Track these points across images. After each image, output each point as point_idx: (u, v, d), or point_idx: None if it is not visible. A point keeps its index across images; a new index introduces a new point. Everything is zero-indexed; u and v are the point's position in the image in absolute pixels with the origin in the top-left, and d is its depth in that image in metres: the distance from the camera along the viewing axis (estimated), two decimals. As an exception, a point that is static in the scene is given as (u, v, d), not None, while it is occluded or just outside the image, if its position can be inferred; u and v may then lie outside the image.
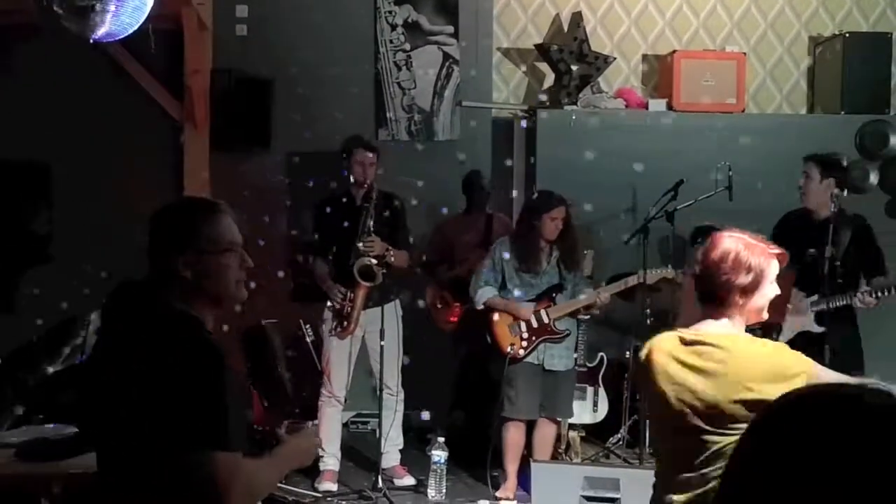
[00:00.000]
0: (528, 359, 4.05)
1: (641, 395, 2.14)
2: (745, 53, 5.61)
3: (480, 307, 4.11)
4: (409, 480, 4.30)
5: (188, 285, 1.75)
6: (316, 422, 1.80)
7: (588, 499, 3.18)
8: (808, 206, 3.94)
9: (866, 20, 5.80)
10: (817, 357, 3.73)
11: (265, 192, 5.55)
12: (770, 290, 1.99)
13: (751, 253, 1.95)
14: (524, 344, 4.02)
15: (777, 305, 3.94)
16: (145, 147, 5.62)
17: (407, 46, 5.85)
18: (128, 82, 5.54)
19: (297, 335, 5.14)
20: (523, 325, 4.04)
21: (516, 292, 4.10)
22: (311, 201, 4.68)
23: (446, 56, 5.87)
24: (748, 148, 5.21)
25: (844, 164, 5.12)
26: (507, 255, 4.12)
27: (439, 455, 4.06)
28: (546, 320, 4.05)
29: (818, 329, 3.84)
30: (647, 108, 5.52)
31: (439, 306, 4.91)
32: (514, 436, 4.05)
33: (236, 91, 5.56)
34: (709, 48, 5.75)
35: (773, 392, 1.81)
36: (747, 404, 1.89)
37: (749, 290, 1.95)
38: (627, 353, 4.82)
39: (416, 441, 4.67)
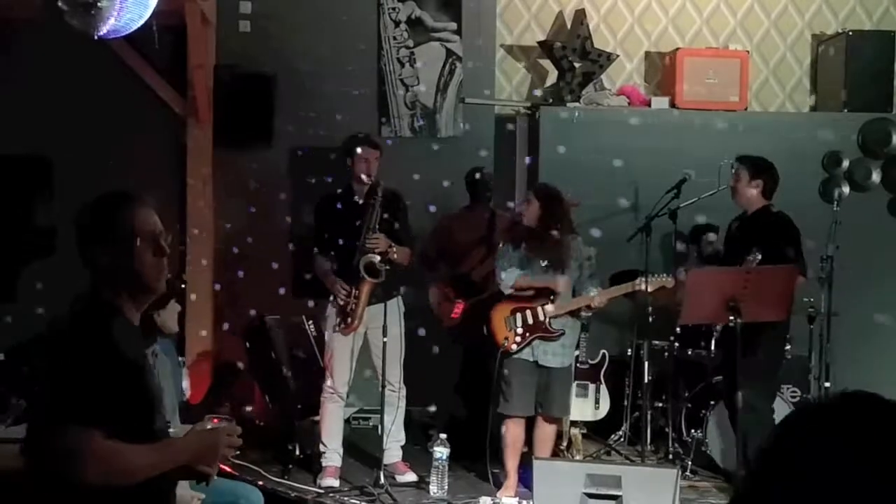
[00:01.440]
0: (523, 355, 4.05)
1: None
2: (748, 51, 5.61)
3: (509, 291, 4.09)
4: (411, 477, 4.31)
5: (110, 275, 1.86)
6: (219, 422, 1.71)
7: (590, 496, 3.18)
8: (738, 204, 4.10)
9: (870, 18, 5.80)
10: None
11: (267, 188, 5.56)
12: None
13: None
14: (517, 339, 4.03)
15: (778, 302, 3.98)
16: (148, 142, 5.63)
17: (410, 43, 5.85)
18: (131, 77, 5.55)
19: (299, 331, 5.15)
20: (519, 320, 4.05)
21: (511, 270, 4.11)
22: (314, 198, 4.69)
23: (449, 53, 5.87)
24: (751, 146, 5.18)
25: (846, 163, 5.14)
26: (510, 249, 4.13)
27: (441, 452, 4.07)
28: (542, 318, 4.05)
29: None
30: (649, 105, 5.52)
31: (443, 302, 4.92)
32: (513, 433, 4.06)
33: (239, 87, 5.56)
34: (712, 46, 5.74)
35: None
36: None
37: None
38: (629, 350, 4.83)
39: (421, 437, 4.67)
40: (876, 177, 5.08)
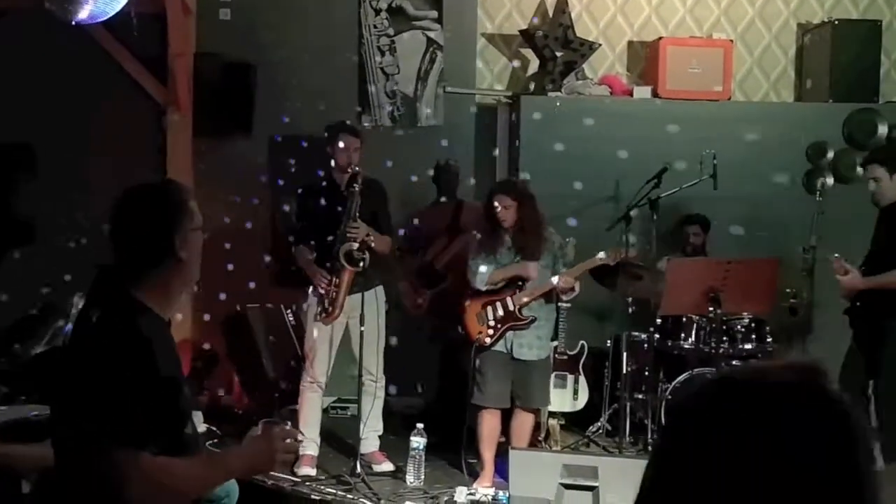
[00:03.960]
0: (497, 347, 4.04)
1: None
2: (731, 41, 5.59)
3: (483, 287, 4.08)
4: (388, 466, 4.30)
5: (168, 268, 1.74)
6: (288, 425, 1.64)
7: (566, 486, 3.18)
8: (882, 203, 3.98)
9: (856, 7, 5.78)
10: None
11: (248, 177, 5.52)
12: None
13: None
14: (490, 332, 4.03)
15: (761, 294, 3.98)
16: (128, 130, 5.57)
17: (391, 32, 5.80)
18: (111, 65, 5.49)
19: (279, 320, 5.13)
20: (490, 313, 4.04)
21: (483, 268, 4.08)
22: (294, 186, 4.66)
23: (430, 41, 5.82)
24: (734, 136, 5.20)
25: (831, 153, 5.13)
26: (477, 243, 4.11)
27: (418, 441, 4.06)
28: (511, 307, 4.04)
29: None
30: (632, 95, 5.50)
31: (408, 293, 4.92)
32: (488, 424, 4.05)
33: (220, 75, 5.52)
34: (695, 35, 5.72)
35: None
36: None
37: None
38: (608, 340, 4.83)
39: (399, 427, 4.66)
40: (860, 168, 5.07)
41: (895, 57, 5.75)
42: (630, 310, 4.52)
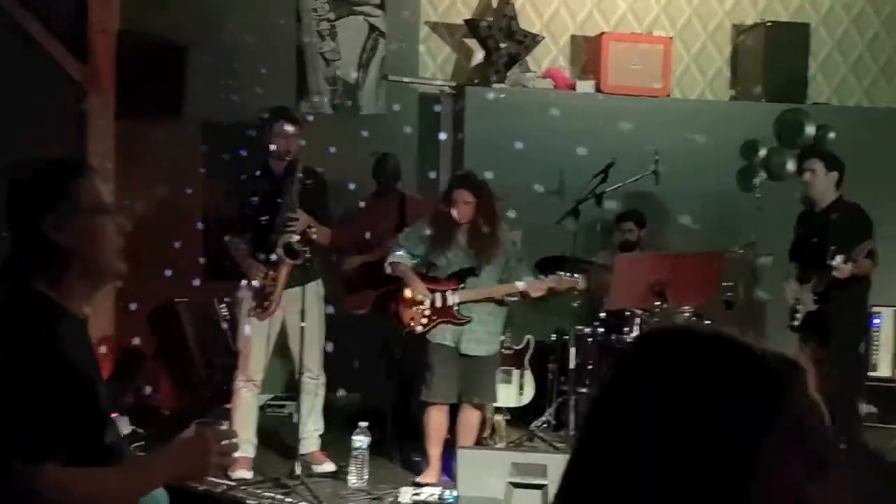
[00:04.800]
0: (445, 342, 3.96)
1: None
2: (671, 38, 5.64)
3: (388, 271, 4.01)
4: (329, 467, 4.15)
5: (58, 257, 1.52)
6: (225, 424, 1.44)
7: (515, 485, 3.11)
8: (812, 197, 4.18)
9: (786, 10, 5.92)
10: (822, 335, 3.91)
11: (177, 164, 5.23)
12: None
13: None
14: (423, 321, 3.93)
15: (702, 288, 4.01)
16: (46, 112, 5.19)
17: (331, 16, 5.62)
18: (26, 42, 5.11)
19: (210, 315, 4.89)
20: (427, 302, 3.93)
21: (431, 270, 4.00)
22: (227, 174, 4.44)
23: (372, 28, 5.67)
24: (673, 132, 5.25)
25: (763, 151, 5.24)
26: (427, 231, 4.00)
27: (361, 440, 3.92)
28: (449, 303, 3.95)
29: (814, 307, 4.02)
30: (575, 88, 5.48)
31: (351, 290, 4.78)
32: (434, 420, 3.95)
33: (145, 55, 5.21)
34: (636, 31, 5.74)
35: None
36: None
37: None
38: (552, 335, 4.79)
39: (340, 426, 4.50)
40: (791, 166, 5.19)
41: (821, 59, 5.93)
42: (574, 304, 4.49)
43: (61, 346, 1.47)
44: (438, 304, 3.95)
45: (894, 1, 5.96)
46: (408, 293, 3.97)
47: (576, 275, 3.98)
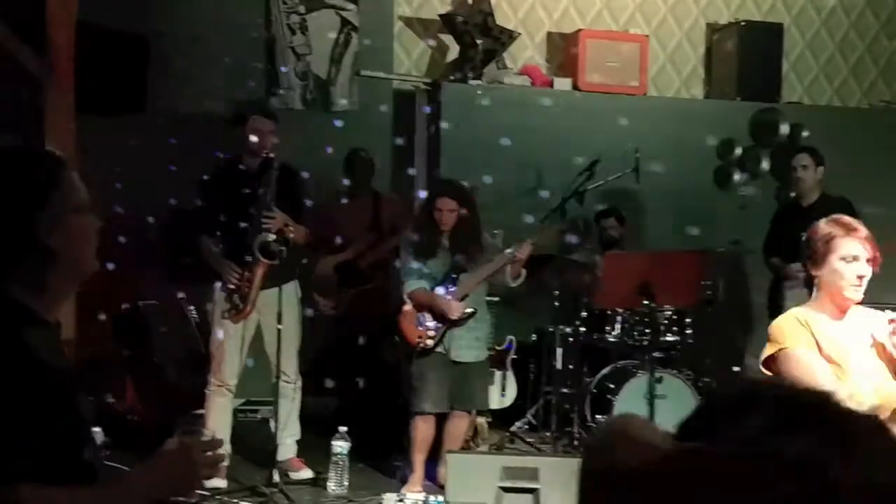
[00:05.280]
0: (437, 349, 3.86)
1: None
2: (647, 36, 5.62)
3: (408, 304, 3.89)
4: (307, 473, 4.01)
5: (40, 258, 1.37)
6: (210, 434, 1.31)
7: (505, 490, 3.02)
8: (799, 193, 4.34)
9: (759, 10, 5.95)
10: None
11: (141, 160, 5.02)
12: (841, 266, 2.20)
13: (828, 229, 2.22)
14: (431, 334, 3.83)
15: (688, 288, 3.97)
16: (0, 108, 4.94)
17: (302, 9, 5.47)
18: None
19: (178, 318, 4.70)
20: (427, 315, 3.83)
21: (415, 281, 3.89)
22: (194, 172, 4.26)
23: (344, 22, 5.53)
24: (650, 131, 5.22)
25: (739, 150, 5.26)
26: (413, 238, 3.89)
27: (341, 446, 3.79)
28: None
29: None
30: (552, 86, 5.42)
31: (324, 291, 4.65)
32: (422, 429, 3.83)
33: (106, 47, 4.98)
34: (612, 29, 5.71)
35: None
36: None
37: (817, 261, 2.22)
38: (532, 335, 4.72)
39: (319, 431, 4.36)
40: (765, 165, 5.21)
41: (793, 59, 5.97)
42: (556, 303, 4.42)
43: (35, 356, 1.33)
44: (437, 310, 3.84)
45: (864, 2, 6.03)
46: (404, 314, 3.85)
47: (560, 226, 3.94)
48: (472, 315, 3.83)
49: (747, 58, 5.50)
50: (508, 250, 3.83)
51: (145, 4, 5.07)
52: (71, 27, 4.96)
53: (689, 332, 4.41)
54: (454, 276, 3.85)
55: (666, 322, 4.42)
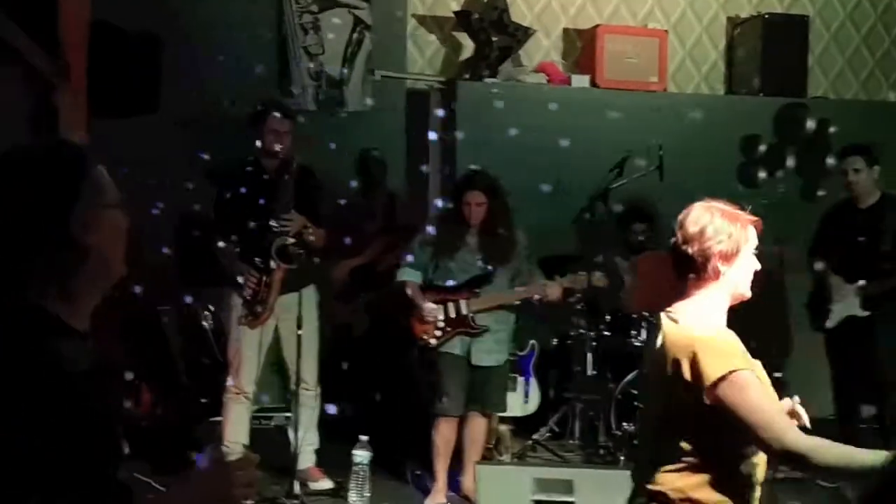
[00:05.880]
0: (454, 351, 3.77)
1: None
2: (666, 31, 5.50)
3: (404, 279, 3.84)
4: (326, 483, 3.92)
5: (72, 259, 1.27)
6: (237, 452, 1.22)
7: (539, 503, 2.91)
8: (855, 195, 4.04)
9: (781, 2, 5.82)
10: (866, 340, 3.72)
11: (155, 163, 4.93)
12: (750, 260, 1.90)
13: (728, 219, 1.87)
14: (437, 333, 3.73)
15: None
16: (12, 110, 4.85)
17: (314, 8, 5.37)
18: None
19: (193, 324, 4.61)
20: (441, 313, 3.72)
21: (438, 280, 3.80)
22: (209, 172, 4.18)
23: (357, 21, 5.43)
24: (671, 128, 5.11)
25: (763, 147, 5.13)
26: (427, 235, 3.80)
27: (362, 456, 3.68)
28: (464, 312, 3.75)
29: (863, 313, 3.86)
30: (569, 83, 5.31)
31: (339, 296, 4.56)
32: (444, 434, 3.74)
33: (119, 47, 4.90)
34: (630, 24, 5.59)
35: (687, 369, 1.79)
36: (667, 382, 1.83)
37: (729, 256, 1.85)
38: (554, 340, 4.61)
39: (336, 439, 4.26)
40: (790, 162, 5.09)
41: (819, 53, 5.84)
42: (579, 306, 4.31)
43: (67, 370, 1.22)
44: (452, 314, 3.76)
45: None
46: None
47: (596, 273, 3.80)
48: (485, 330, 3.73)
49: (771, 52, 5.37)
50: (541, 282, 3.73)
51: (158, 4, 4.98)
52: (84, 27, 4.88)
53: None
54: (476, 288, 3.74)
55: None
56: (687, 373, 1.78)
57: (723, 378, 1.75)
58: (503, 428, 4.22)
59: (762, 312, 4.80)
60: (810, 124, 5.04)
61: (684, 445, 1.80)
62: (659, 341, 1.88)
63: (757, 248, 1.90)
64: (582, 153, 4.92)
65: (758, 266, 1.90)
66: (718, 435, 1.79)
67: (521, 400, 4.33)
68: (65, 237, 1.26)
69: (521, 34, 5.38)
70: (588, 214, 4.20)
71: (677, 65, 5.73)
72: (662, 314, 1.92)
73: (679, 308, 1.90)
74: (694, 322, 1.85)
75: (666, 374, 1.82)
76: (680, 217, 1.91)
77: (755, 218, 1.90)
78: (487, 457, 4.08)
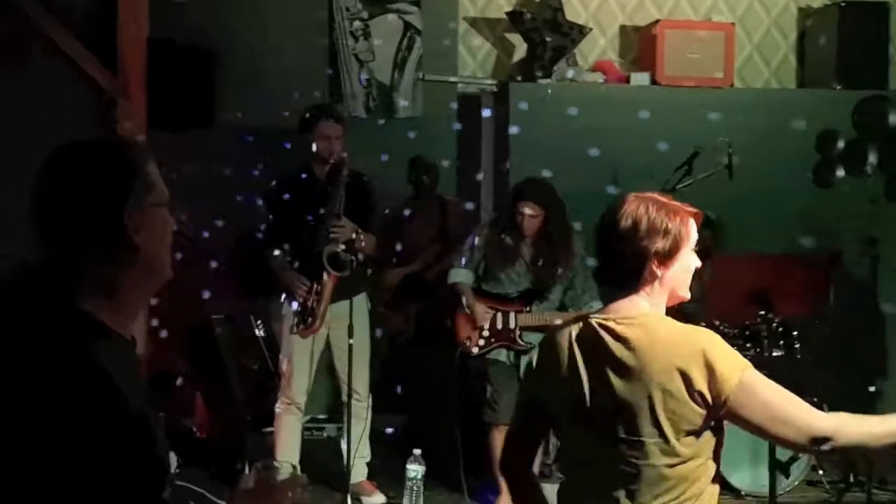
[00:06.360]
0: (501, 358, 3.65)
1: (529, 396, 1.80)
2: (732, 24, 5.25)
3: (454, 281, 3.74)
4: (380, 498, 3.81)
5: (120, 261, 1.19)
6: (286, 472, 1.15)
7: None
8: None
9: (856, -10, 5.50)
10: None
11: (209, 174, 4.94)
12: (691, 258, 1.69)
13: (665, 214, 1.64)
14: (480, 342, 3.60)
15: (804, 297, 3.59)
16: (74, 124, 4.91)
17: (364, 15, 5.32)
18: (53, 52, 4.86)
19: (246, 333, 4.58)
20: (487, 321, 3.58)
21: (488, 287, 3.66)
22: (261, 182, 4.16)
23: (408, 26, 5.36)
24: (739, 126, 4.85)
25: (841, 143, 4.82)
26: (477, 242, 3.66)
27: (416, 470, 3.56)
28: (511, 325, 3.62)
29: None
30: (628, 81, 5.12)
31: (391, 305, 4.45)
32: (500, 441, 3.59)
33: (176, 62, 4.96)
34: (692, 19, 5.37)
35: (702, 383, 1.54)
36: (672, 398, 1.56)
37: (668, 256, 1.63)
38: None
39: (383, 452, 4.15)
40: (872, 158, 4.77)
41: (898, 42, 5.50)
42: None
43: (113, 382, 1.12)
44: (499, 325, 3.62)
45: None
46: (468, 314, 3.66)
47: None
48: (530, 349, 3.57)
49: (847, 42, 5.06)
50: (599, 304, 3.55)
51: (211, 18, 5.01)
52: (142, 44, 4.95)
53: (797, 346, 4.00)
54: (529, 304, 3.59)
55: (768, 335, 4.02)
56: (701, 382, 1.54)
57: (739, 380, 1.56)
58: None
59: (855, 322, 4.51)
60: (893, 118, 4.71)
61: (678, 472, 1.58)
62: (618, 351, 1.60)
63: (697, 245, 1.68)
64: (642, 154, 4.71)
65: (698, 263, 1.69)
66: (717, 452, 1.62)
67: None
68: (119, 235, 1.18)
69: (576, 33, 5.21)
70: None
71: (744, 59, 5.47)
72: (597, 320, 1.65)
73: (620, 311, 1.63)
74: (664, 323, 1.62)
75: (649, 388, 1.55)
76: (608, 213, 1.67)
77: (695, 210, 1.68)
78: (545, 472, 3.91)
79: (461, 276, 3.70)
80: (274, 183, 3.88)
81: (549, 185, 3.69)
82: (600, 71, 5.20)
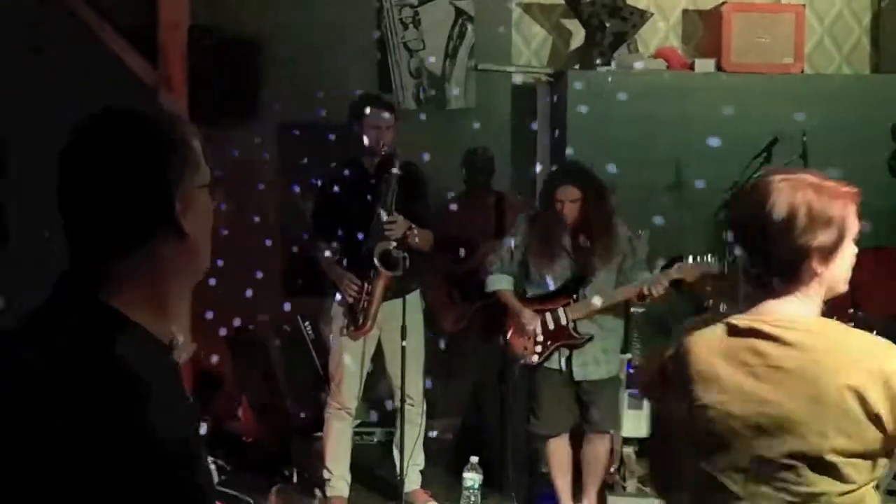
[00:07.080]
0: (550, 365, 3.42)
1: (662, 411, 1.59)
2: (803, 6, 4.93)
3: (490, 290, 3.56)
4: (435, 507, 3.62)
5: (161, 251, 1.03)
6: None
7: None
8: None
9: (936, -32, 5.15)
10: None
11: (253, 168, 4.81)
12: (852, 248, 1.44)
13: (827, 199, 1.40)
14: (537, 348, 3.39)
15: (889, 293, 3.31)
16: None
17: (414, 2, 5.13)
18: (91, 42, 4.76)
19: (293, 335, 4.42)
20: (539, 326, 3.36)
21: (531, 286, 3.45)
22: (307, 177, 4.00)
23: (459, 12, 5.15)
24: (810, 113, 4.53)
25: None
26: (512, 241, 3.44)
27: (473, 479, 3.38)
28: (564, 321, 3.39)
29: None
30: (692, 68, 4.84)
31: (446, 305, 4.25)
32: (556, 452, 3.43)
33: (217, 53, 4.81)
34: (760, 2, 5.06)
35: (882, 405, 1.27)
36: (845, 417, 1.31)
37: (831, 250, 1.38)
38: (670, 350, 4.14)
39: (437, 458, 3.96)
40: (955, 148, 4.42)
41: (983, 23, 5.12)
42: (721, 308, 3.82)
43: (150, 392, 0.96)
44: (551, 325, 3.40)
45: None
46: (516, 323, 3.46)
47: (707, 258, 3.32)
48: (588, 340, 3.34)
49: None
50: (649, 274, 3.30)
51: (254, 6, 4.86)
52: (183, 33, 4.83)
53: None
54: (573, 294, 3.36)
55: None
56: (880, 405, 1.31)
57: None
58: (628, 449, 3.80)
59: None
60: (979, 104, 4.37)
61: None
62: (775, 359, 1.36)
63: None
64: (707, 144, 4.44)
65: (856, 251, 1.44)
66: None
67: (648, 419, 3.89)
68: (167, 218, 1.02)
69: (637, 18, 4.94)
70: (724, 210, 3.72)
71: (815, 44, 5.15)
72: (747, 323, 1.40)
73: (775, 314, 1.38)
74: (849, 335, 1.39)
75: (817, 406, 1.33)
76: (752, 202, 1.40)
77: (855, 189, 1.44)
78: (609, 482, 3.68)
79: (502, 282, 3.49)
80: (321, 177, 3.71)
81: (584, 167, 3.45)
82: (662, 58, 4.92)
